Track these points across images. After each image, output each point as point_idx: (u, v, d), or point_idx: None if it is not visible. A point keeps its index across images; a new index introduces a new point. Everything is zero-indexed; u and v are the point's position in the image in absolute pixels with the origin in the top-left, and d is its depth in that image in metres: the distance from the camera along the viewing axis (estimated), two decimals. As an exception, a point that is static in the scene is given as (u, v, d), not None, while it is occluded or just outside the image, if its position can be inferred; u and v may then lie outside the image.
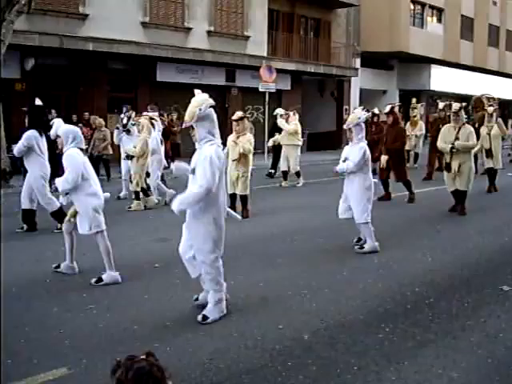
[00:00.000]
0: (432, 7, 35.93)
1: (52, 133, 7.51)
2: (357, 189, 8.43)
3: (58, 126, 7.42)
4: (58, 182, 6.98)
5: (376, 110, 17.78)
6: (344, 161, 8.54)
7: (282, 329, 5.44)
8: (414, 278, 7.11)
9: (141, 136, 12.32)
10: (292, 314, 5.84)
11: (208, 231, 5.63)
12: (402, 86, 34.86)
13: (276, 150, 17.15)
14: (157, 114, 14.93)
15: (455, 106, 11.65)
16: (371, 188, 8.53)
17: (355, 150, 8.38)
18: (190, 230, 5.81)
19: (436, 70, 35.44)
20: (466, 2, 38.43)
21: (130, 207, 12.15)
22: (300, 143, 16.37)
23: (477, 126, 16.62)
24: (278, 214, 11.55)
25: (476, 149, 13.83)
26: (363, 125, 8.54)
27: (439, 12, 36.65)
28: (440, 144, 11.47)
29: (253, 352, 4.94)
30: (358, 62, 31.45)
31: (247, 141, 10.84)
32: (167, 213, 11.09)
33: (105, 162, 17.14)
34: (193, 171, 5.62)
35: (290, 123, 16.12)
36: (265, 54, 25.24)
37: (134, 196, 12.30)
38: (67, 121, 12.29)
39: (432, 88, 35.00)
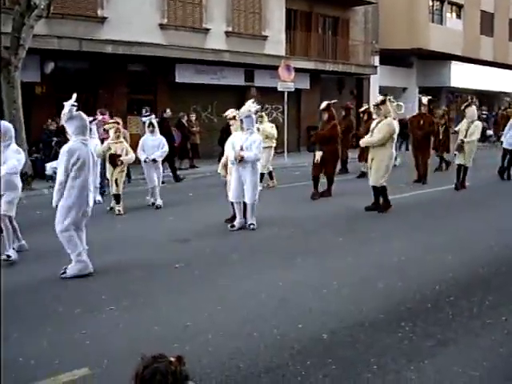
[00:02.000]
0: (451, 3, 35.68)
1: None
2: (251, 174, 9.83)
3: None
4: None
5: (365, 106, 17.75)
6: (241, 148, 9.75)
7: (302, 328, 5.44)
8: (434, 276, 7.06)
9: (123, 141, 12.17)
10: (311, 314, 5.84)
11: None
12: (422, 83, 34.61)
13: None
14: (107, 117, 14.60)
15: (378, 98, 11.54)
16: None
17: (252, 141, 9.85)
18: None
19: (456, 67, 35.15)
20: (486, -3, 38.11)
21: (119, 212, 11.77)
22: (273, 144, 15.23)
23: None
24: (292, 213, 11.52)
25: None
26: (254, 117, 10.29)
27: (458, 8, 36.37)
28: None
29: (272, 351, 4.94)
30: (376, 60, 31.31)
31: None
32: (185, 215, 11.19)
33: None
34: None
35: (265, 125, 15.10)
36: (283, 54, 25.19)
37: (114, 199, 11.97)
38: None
39: (452, 85, 34.76)
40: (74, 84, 20.18)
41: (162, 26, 21.46)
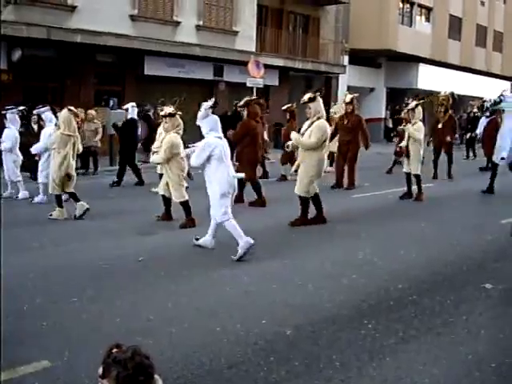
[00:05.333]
0: (421, 6, 36.05)
1: None
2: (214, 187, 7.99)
3: None
4: None
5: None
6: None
7: (265, 323, 5.45)
8: (398, 274, 7.14)
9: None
10: (275, 309, 5.85)
11: None
12: (390, 84, 34.97)
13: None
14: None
15: (306, 95, 9.91)
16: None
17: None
18: None
19: (424, 69, 35.57)
20: (455, 2, 38.59)
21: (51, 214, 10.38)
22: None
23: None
24: (254, 208, 11.53)
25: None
26: (212, 116, 8.17)
27: (428, 11, 36.78)
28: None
29: (235, 346, 4.94)
30: (346, 60, 31.48)
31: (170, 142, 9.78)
32: (151, 208, 11.12)
33: (93, 154, 17.07)
34: None
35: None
36: (253, 50, 25.19)
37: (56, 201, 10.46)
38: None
39: (419, 86, 35.08)
40: (41, 73, 19.98)
41: (132, 17, 21.26)
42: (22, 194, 12.35)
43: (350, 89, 31.20)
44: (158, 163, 10.35)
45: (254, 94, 22.87)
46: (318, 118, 9.74)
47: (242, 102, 12.48)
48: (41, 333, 5.15)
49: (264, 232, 9.43)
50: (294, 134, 10.03)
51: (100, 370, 2.28)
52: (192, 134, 10.75)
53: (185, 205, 9.81)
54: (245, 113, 12.29)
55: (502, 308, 6.14)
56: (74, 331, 5.21)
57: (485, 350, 5.02)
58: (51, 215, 10.24)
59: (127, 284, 6.61)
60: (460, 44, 39.63)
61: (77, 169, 15.11)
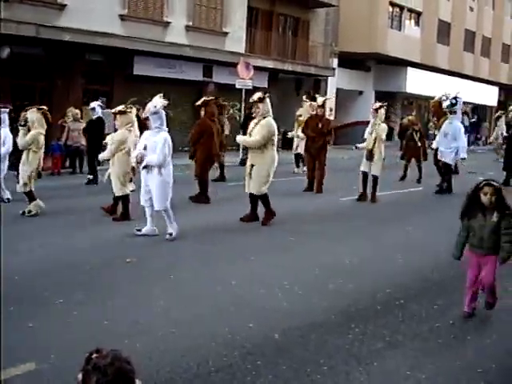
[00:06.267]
0: (410, 10, 36.25)
1: None
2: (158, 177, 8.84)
3: None
4: None
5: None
6: (145, 148, 8.86)
7: (253, 327, 5.44)
8: (385, 279, 7.16)
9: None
10: (263, 313, 5.85)
11: None
12: (379, 87, 35.10)
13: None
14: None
15: (256, 95, 10.20)
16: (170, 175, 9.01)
17: (158, 140, 8.79)
18: None
19: (412, 73, 35.75)
20: (444, 7, 38.84)
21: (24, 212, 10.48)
22: None
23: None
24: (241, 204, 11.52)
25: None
26: (162, 112, 8.88)
27: (417, 15, 36.98)
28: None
29: (223, 350, 4.93)
30: (335, 62, 31.58)
31: (116, 138, 10.15)
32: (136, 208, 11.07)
33: (80, 153, 17.05)
34: None
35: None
36: (243, 51, 25.21)
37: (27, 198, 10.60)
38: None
39: (408, 90, 35.31)
40: (30, 71, 19.87)
41: (122, 17, 21.21)
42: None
43: (339, 91, 31.50)
44: (108, 159, 10.45)
45: (243, 95, 22.93)
46: (264, 117, 10.01)
47: (199, 102, 12.99)
48: (28, 336, 5.12)
49: (252, 233, 9.45)
50: (239, 137, 10.89)
51: (79, 377, 2.25)
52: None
53: (124, 199, 10.26)
54: (202, 112, 12.73)
55: (489, 313, 6.16)
56: (61, 333, 5.19)
57: (471, 355, 5.05)
58: (30, 212, 10.35)
59: (115, 286, 6.58)
60: (448, 49, 39.88)
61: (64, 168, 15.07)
